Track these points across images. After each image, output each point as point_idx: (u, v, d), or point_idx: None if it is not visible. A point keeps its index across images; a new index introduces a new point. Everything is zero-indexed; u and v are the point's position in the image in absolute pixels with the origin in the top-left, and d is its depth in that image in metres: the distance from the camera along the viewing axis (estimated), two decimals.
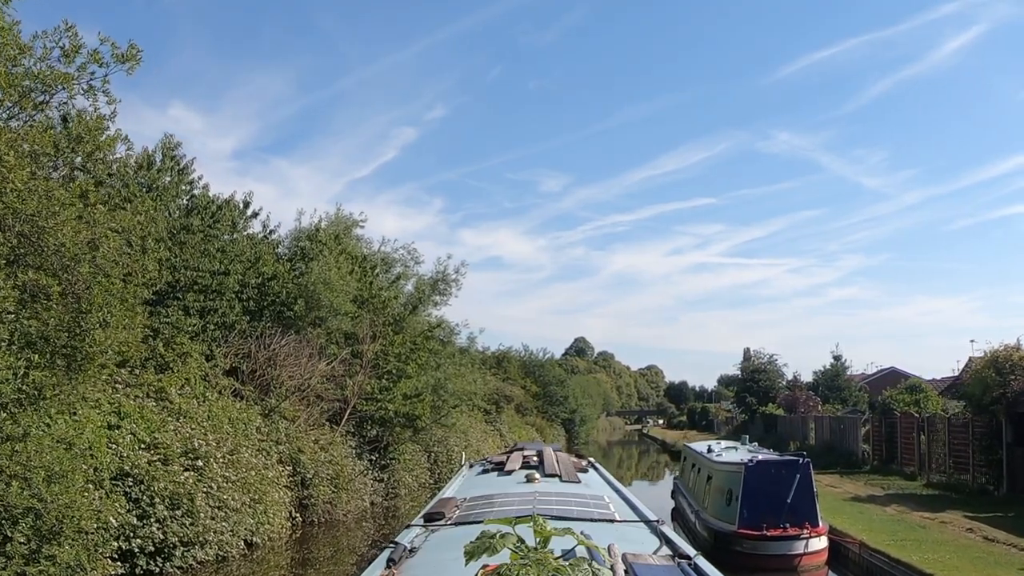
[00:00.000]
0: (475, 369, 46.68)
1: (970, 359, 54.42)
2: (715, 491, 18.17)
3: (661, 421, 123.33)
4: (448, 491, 10.88)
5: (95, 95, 11.37)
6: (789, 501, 15.74)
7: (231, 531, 17.08)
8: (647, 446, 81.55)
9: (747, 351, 71.22)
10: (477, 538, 3.19)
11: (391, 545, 6.39)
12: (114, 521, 13.69)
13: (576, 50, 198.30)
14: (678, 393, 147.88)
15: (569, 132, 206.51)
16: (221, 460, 17.82)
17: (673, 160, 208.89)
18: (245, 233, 27.85)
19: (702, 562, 5.76)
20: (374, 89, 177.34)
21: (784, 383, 59.96)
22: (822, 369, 57.86)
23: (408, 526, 7.65)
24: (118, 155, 12.79)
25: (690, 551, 6.11)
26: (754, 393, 59.07)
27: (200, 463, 17.01)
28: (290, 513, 20.83)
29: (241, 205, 27.73)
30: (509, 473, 11.58)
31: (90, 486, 13.27)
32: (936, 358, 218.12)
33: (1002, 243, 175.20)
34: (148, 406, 17.56)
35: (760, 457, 17.57)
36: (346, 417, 26.62)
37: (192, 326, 21.73)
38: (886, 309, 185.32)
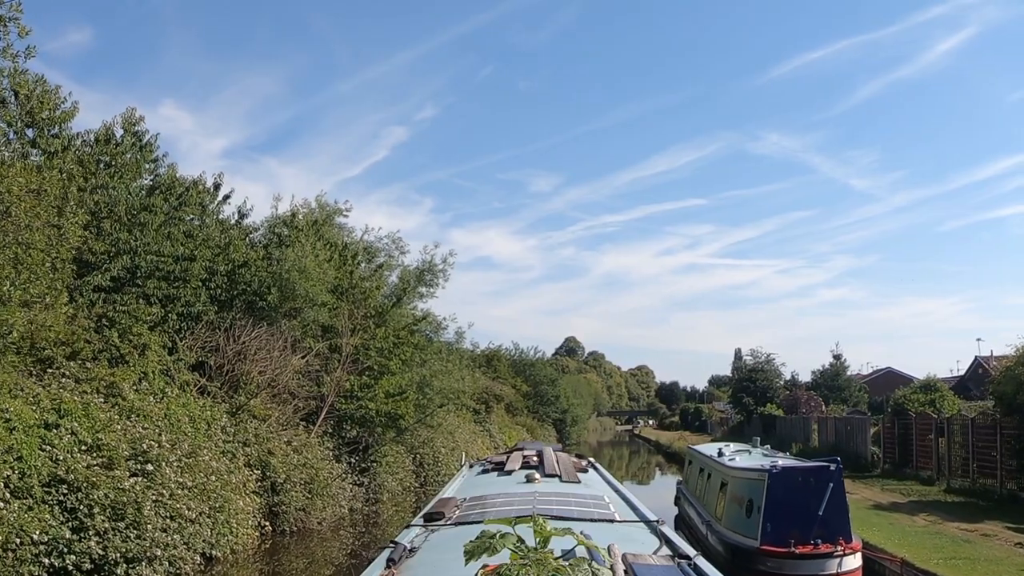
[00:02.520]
0: (463, 367, 44.60)
1: (976, 358, 53.40)
2: (731, 500, 16.25)
3: (652, 422, 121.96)
4: (448, 491, 10.83)
5: (4, 24, 9.33)
6: (820, 514, 13.79)
7: (186, 544, 15.22)
8: (638, 447, 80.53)
9: (738, 351, 69.77)
10: (477, 538, 3.22)
11: (391, 545, 6.32)
12: (37, 536, 11.72)
13: (567, 51, 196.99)
14: (669, 393, 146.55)
15: (559, 132, 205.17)
16: (176, 464, 15.90)
17: (664, 161, 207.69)
18: (216, 217, 25.85)
19: (702, 562, 5.70)
20: (365, 89, 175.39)
21: (782, 383, 58.37)
22: (821, 369, 56.64)
23: (408, 526, 7.63)
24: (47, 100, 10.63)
25: (690, 551, 6.03)
26: (751, 393, 57.32)
27: (150, 467, 15.09)
28: (258, 522, 19.18)
29: (212, 187, 25.70)
30: (509, 473, 11.49)
31: (8, 495, 11.30)
32: (929, 359, 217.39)
33: (992, 245, 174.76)
34: (95, 403, 15.54)
35: (783, 463, 15.58)
36: (323, 416, 24.73)
37: (152, 315, 19.81)
38: (876, 310, 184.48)
